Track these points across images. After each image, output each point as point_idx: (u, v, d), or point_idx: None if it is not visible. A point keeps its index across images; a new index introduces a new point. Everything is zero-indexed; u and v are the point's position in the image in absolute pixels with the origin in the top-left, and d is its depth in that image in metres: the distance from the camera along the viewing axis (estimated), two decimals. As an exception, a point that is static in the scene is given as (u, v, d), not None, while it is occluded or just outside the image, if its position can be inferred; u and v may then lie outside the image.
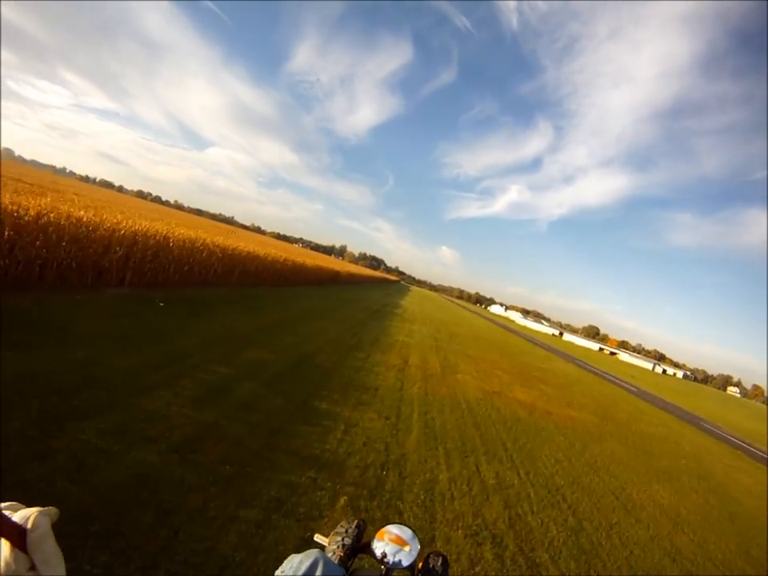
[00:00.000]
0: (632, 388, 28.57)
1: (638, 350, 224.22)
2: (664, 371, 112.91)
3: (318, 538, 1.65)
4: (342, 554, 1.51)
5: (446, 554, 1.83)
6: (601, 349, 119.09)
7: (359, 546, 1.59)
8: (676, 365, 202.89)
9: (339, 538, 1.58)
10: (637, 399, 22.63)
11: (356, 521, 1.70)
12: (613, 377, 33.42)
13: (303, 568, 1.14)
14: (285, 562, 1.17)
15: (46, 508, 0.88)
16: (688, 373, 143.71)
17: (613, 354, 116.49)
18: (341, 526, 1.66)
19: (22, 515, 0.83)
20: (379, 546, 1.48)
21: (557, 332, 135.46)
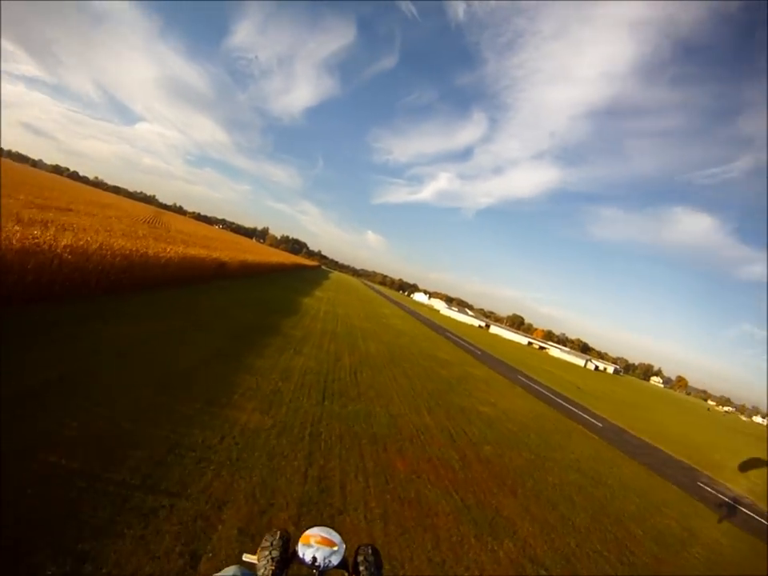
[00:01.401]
0: (596, 423, 23.34)
1: (563, 341, 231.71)
2: (596, 368, 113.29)
3: (246, 557, 1.69)
4: (273, 568, 1.54)
5: (373, 544, 1.87)
6: (530, 343, 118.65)
7: (287, 556, 1.63)
8: (600, 355, 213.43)
9: (267, 553, 1.60)
10: (616, 454, 16.97)
11: (278, 531, 1.72)
12: (564, 399, 28.52)
13: None
14: None
15: None
16: (617, 367, 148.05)
17: (542, 348, 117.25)
18: (265, 540, 1.68)
19: None
20: (308, 552, 1.58)
21: (483, 323, 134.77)
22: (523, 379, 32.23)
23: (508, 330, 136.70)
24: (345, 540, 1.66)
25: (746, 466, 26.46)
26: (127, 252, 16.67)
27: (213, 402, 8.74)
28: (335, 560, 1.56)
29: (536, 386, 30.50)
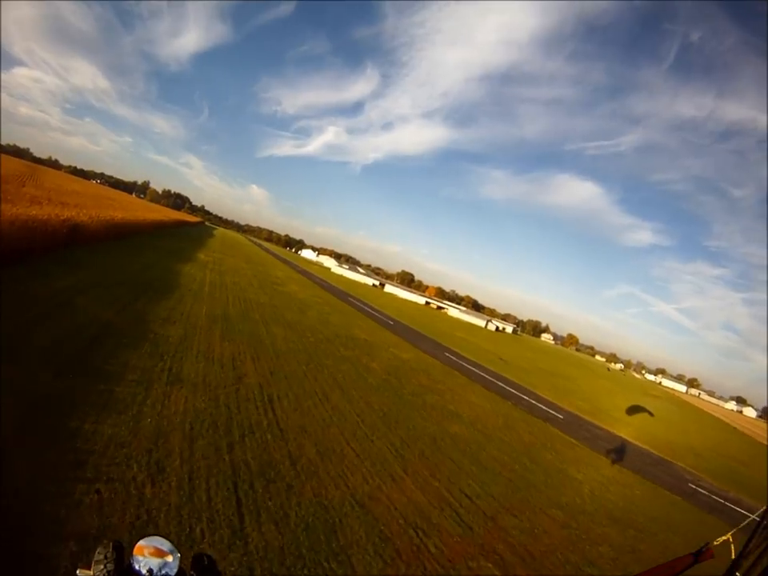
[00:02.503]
0: (557, 415, 20.83)
1: (454, 298, 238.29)
2: (497, 328, 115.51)
3: (81, 572, 1.61)
4: None
5: (207, 553, 1.84)
6: (428, 303, 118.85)
7: (123, 569, 1.58)
8: (491, 313, 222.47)
9: (101, 567, 1.56)
10: (608, 467, 14.55)
11: (111, 543, 1.66)
12: (504, 381, 25.81)
13: None
14: None
15: None
16: (515, 326, 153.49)
17: (440, 308, 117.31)
18: (98, 553, 1.62)
19: None
20: (143, 564, 1.52)
21: (377, 282, 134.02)
22: (452, 358, 29.08)
23: (403, 288, 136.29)
24: (178, 549, 1.60)
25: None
26: None
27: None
28: (172, 570, 1.53)
29: (471, 367, 27.40)
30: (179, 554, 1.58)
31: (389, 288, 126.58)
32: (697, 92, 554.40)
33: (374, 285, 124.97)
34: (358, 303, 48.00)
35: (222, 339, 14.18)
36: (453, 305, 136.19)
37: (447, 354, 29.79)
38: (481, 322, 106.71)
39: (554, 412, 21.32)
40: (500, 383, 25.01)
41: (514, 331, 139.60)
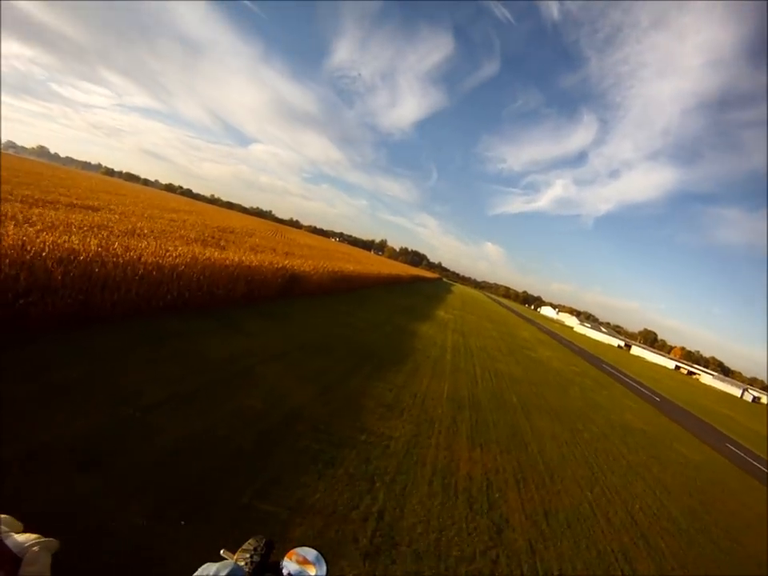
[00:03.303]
0: None
1: (699, 360, 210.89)
2: (753, 399, 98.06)
3: (224, 553, 1.69)
4: (249, 571, 1.58)
5: None
6: (677, 367, 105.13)
7: (266, 564, 1.65)
8: (740, 377, 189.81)
9: (248, 555, 1.64)
10: None
11: (264, 539, 1.75)
12: None
13: None
14: (200, 569, 1.32)
15: (46, 539, 0.82)
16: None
17: (691, 373, 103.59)
18: (249, 543, 1.72)
19: (19, 542, 0.77)
20: (286, 567, 1.64)
21: (622, 343, 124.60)
22: (738, 452, 22.66)
23: (649, 350, 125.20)
24: (326, 566, 1.64)
25: None
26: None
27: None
28: None
29: (762, 468, 20.58)
30: (324, 571, 1.62)
31: (635, 350, 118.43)
32: None
33: (618, 346, 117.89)
34: (614, 371, 42.62)
35: (471, 443, 10.15)
36: (703, 369, 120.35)
37: (730, 447, 23.50)
38: (736, 391, 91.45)
39: None
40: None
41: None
